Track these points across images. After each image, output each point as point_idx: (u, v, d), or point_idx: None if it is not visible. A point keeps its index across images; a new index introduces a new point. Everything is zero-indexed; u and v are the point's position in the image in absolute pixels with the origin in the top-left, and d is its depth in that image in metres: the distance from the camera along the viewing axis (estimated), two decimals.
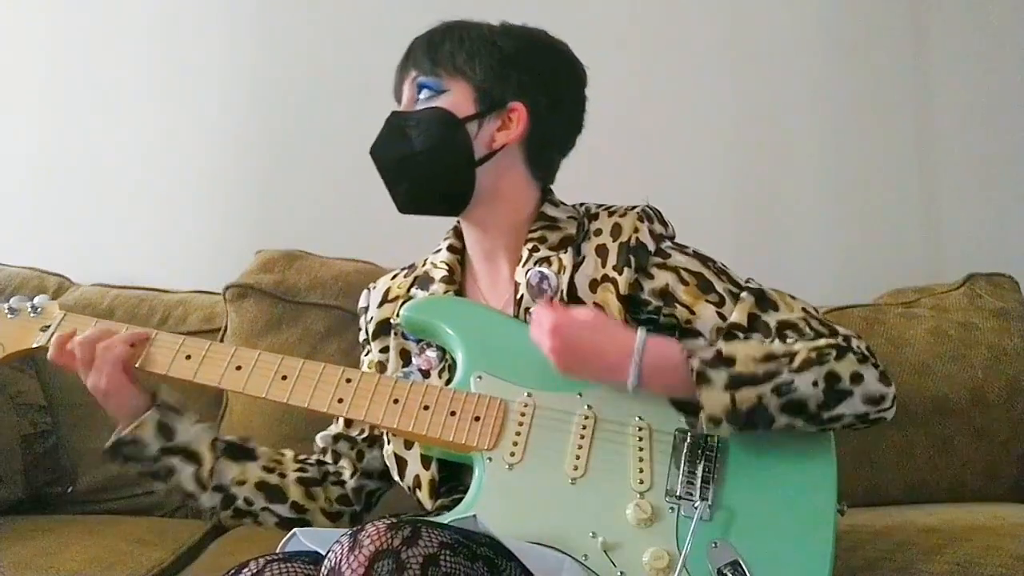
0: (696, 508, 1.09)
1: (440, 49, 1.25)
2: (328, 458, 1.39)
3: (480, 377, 1.20)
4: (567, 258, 1.24)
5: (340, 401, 1.20)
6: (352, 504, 1.37)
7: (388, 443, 1.29)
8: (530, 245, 1.26)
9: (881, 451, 1.81)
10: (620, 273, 1.21)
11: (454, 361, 1.24)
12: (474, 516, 1.00)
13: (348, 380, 1.21)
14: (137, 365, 1.25)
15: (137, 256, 2.25)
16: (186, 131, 2.30)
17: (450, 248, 1.35)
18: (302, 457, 1.39)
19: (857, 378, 1.12)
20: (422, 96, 1.25)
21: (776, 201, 2.27)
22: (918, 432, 1.82)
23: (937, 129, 2.27)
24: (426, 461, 1.24)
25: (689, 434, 1.15)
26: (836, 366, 1.12)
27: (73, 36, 2.32)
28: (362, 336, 1.40)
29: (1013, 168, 2.26)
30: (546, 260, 1.25)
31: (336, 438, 1.37)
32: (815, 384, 1.10)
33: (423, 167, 1.24)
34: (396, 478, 1.29)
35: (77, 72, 2.32)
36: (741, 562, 1.07)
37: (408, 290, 1.34)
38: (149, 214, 2.29)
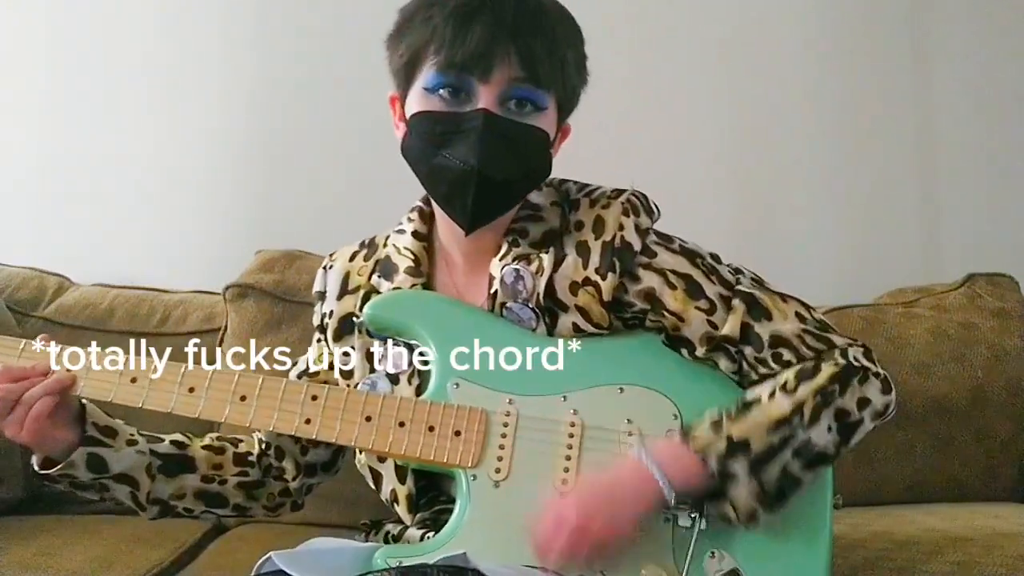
0: (692, 518, 1.06)
1: (556, 61, 1.10)
2: (271, 452, 1.28)
3: (457, 384, 1.12)
4: (548, 259, 1.14)
5: (308, 422, 1.12)
6: (292, 496, 1.32)
7: (360, 452, 1.21)
8: (510, 238, 1.17)
9: (881, 451, 1.81)
10: (604, 278, 1.13)
11: (424, 362, 1.16)
12: (464, 553, 0.95)
13: (314, 398, 1.12)
14: (78, 393, 1.14)
15: (137, 256, 2.25)
16: (186, 131, 2.30)
17: (415, 234, 1.22)
18: (242, 451, 1.29)
19: (864, 403, 1.09)
20: (526, 109, 1.10)
21: (776, 201, 2.27)
22: (918, 432, 1.81)
23: (937, 129, 2.27)
24: (401, 474, 1.17)
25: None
26: (842, 402, 1.08)
27: (73, 36, 2.32)
28: (316, 320, 1.29)
29: (1013, 168, 2.26)
30: (526, 258, 1.15)
31: (279, 433, 1.25)
32: (829, 430, 1.07)
33: (516, 193, 1.15)
34: (373, 488, 1.22)
35: (77, 72, 2.32)
36: (740, 571, 1.06)
37: (370, 277, 1.23)
38: (149, 214, 2.29)
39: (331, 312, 1.26)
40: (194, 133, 2.30)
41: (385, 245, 1.26)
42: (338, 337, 1.24)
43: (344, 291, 1.25)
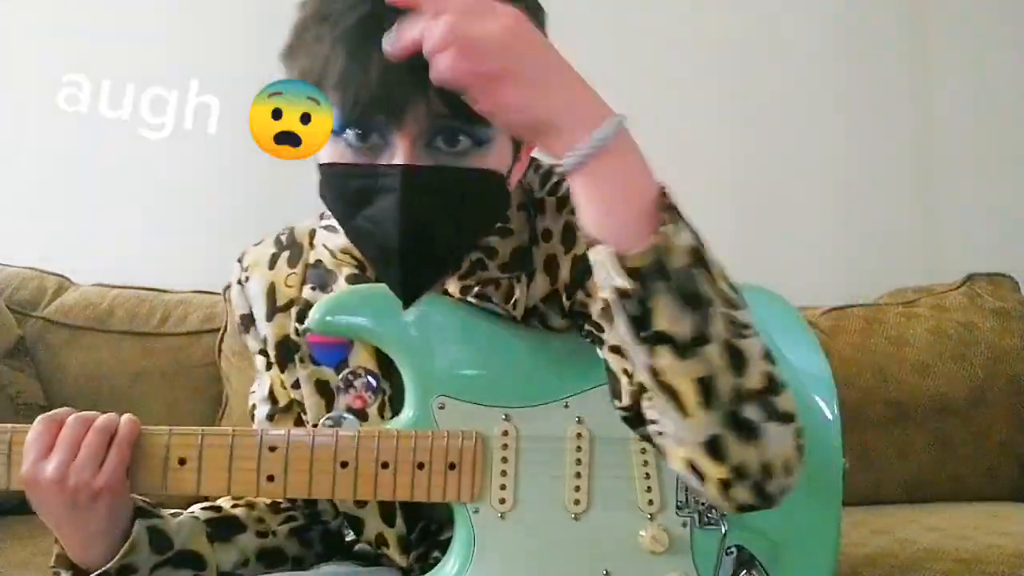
0: (711, 517, 0.99)
1: None
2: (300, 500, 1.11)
3: (442, 405, 0.96)
4: (520, 288, 0.97)
5: (271, 479, 0.92)
6: (335, 539, 1.13)
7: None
8: (475, 256, 0.97)
9: (881, 451, 1.81)
10: (568, 297, 0.98)
11: (392, 384, 0.99)
12: None
13: (272, 448, 0.92)
14: None
15: (137, 256, 2.25)
16: (186, 131, 2.30)
17: None
18: (270, 502, 1.09)
19: (771, 383, 0.81)
20: (460, 145, 0.85)
21: (776, 201, 2.27)
22: (918, 432, 1.82)
23: (937, 129, 2.27)
24: (387, 515, 1.01)
25: None
26: (759, 363, 0.81)
27: (73, 35, 2.32)
28: (254, 348, 1.07)
29: (1013, 168, 2.26)
30: (494, 282, 0.97)
31: None
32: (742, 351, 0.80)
33: (461, 249, 0.94)
34: (352, 536, 1.06)
35: (77, 72, 2.32)
36: (758, 565, 1.02)
37: (301, 288, 1.04)
38: (149, 214, 2.29)
39: (264, 337, 1.04)
40: (194, 133, 2.29)
41: (312, 245, 1.06)
42: (282, 366, 1.03)
43: (273, 309, 1.04)
